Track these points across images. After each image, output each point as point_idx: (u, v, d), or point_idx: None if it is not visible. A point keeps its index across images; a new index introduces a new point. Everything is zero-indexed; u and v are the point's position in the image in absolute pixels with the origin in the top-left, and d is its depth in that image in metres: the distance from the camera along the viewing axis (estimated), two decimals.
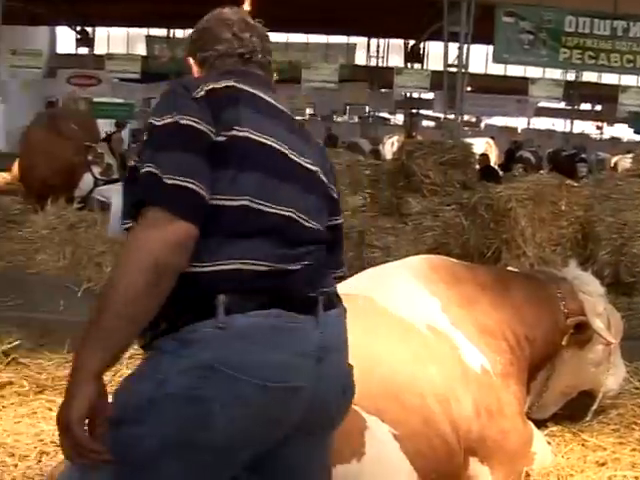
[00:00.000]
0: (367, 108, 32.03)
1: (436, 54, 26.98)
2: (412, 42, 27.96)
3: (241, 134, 2.29)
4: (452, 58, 17.45)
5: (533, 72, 22.56)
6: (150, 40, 31.16)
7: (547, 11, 16.18)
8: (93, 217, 7.96)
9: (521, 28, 15.85)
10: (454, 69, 17.09)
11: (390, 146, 23.26)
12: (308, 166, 2.46)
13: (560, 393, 4.61)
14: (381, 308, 3.86)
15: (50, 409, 4.78)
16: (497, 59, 16.25)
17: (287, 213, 2.34)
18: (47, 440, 4.30)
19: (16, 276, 7.25)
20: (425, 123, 33.25)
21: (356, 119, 34.77)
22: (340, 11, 23.83)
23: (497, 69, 28.47)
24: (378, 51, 33.98)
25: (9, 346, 5.82)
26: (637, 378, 5.71)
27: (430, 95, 24.86)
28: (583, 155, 25.04)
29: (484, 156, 15.80)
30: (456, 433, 3.53)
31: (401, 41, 31.36)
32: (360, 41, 33.38)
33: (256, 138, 2.32)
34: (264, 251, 2.28)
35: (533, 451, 3.99)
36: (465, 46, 16.35)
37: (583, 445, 4.49)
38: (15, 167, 13.95)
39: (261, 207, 2.29)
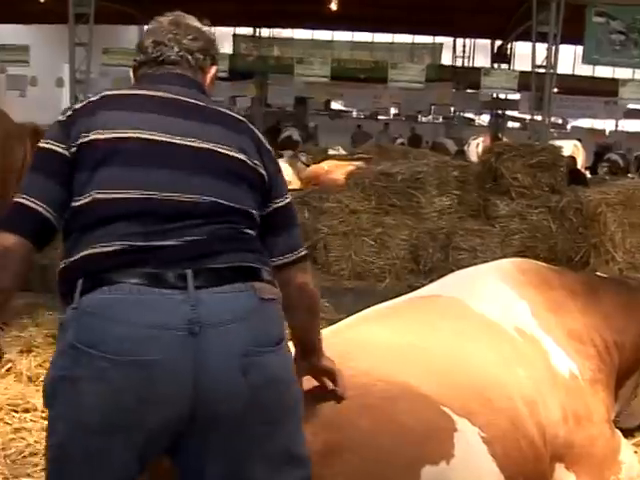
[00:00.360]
0: (452, 108, 31.82)
1: (523, 54, 26.69)
2: (499, 42, 27.61)
3: (87, 139, 2.49)
4: (540, 59, 17.23)
5: (622, 73, 22.16)
6: (237, 39, 31.56)
7: (639, 11, 15.86)
8: None
9: (612, 28, 15.55)
10: (542, 70, 16.84)
11: (475, 147, 23.05)
12: (198, 145, 2.54)
13: None
14: (470, 310, 3.85)
15: None
16: (587, 60, 15.96)
17: (146, 194, 2.44)
18: None
19: None
20: (510, 124, 32.85)
21: (440, 119, 34.59)
22: (426, 11, 23.73)
23: (585, 70, 28.02)
24: (464, 51, 33.72)
25: None
26: None
27: (516, 96, 24.59)
28: None
29: (571, 159, 15.54)
30: (543, 437, 3.49)
31: (487, 41, 31.07)
32: (446, 41, 33.21)
33: (106, 136, 2.49)
34: (117, 233, 2.39)
35: (621, 460, 3.89)
36: (554, 47, 16.11)
37: None
38: None
39: (111, 195, 2.45)
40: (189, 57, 2.77)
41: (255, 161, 2.62)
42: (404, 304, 4.01)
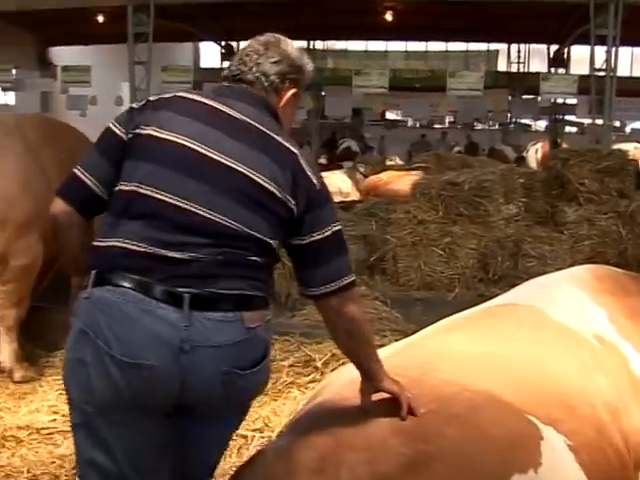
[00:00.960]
0: (508, 115, 31.63)
1: (578, 58, 26.45)
2: (554, 47, 27.38)
3: (144, 132, 2.73)
4: (598, 61, 17.07)
5: None
6: None
7: None
8: None
9: None
10: (601, 73, 16.69)
11: (534, 152, 22.90)
12: (233, 166, 2.69)
13: None
14: (547, 318, 3.84)
15: None
16: None
17: (174, 201, 2.64)
18: None
19: None
20: (567, 129, 32.54)
21: (497, 126, 34.41)
22: (480, 18, 23.65)
23: None
24: (519, 57, 33.52)
25: None
26: None
27: (573, 100, 24.36)
28: None
29: (635, 162, 15.37)
30: (626, 445, 3.46)
31: (542, 46, 30.84)
32: (500, 47, 33.07)
33: (158, 135, 2.71)
34: (144, 234, 2.62)
35: None
36: (613, 49, 15.97)
37: None
38: None
39: (148, 192, 2.65)
40: (263, 79, 2.91)
41: (287, 195, 2.72)
42: (481, 313, 4.01)
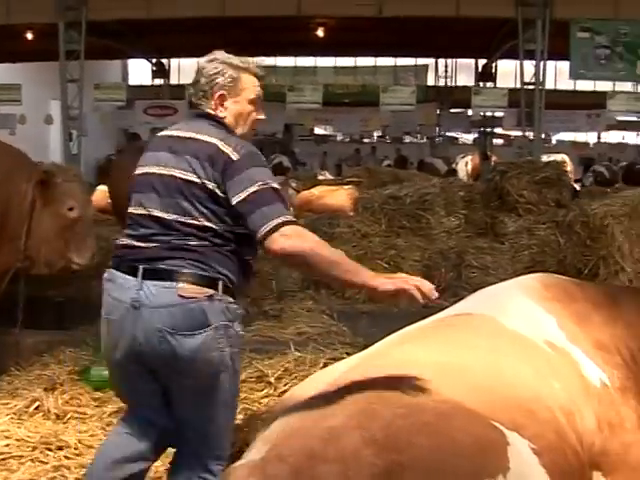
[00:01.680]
0: (437, 128, 32.04)
1: (505, 72, 26.95)
2: (482, 61, 27.84)
3: (136, 171, 3.87)
4: (526, 75, 17.43)
5: (604, 86, 22.37)
6: None
7: (623, 25, 16.03)
8: None
9: (597, 43, 15.73)
10: (530, 86, 17.05)
11: (464, 165, 23.20)
12: (166, 172, 3.68)
13: None
14: (501, 326, 3.95)
15: None
16: (574, 75, 16.12)
17: (145, 210, 3.67)
18: None
19: None
20: (494, 141, 33.09)
21: (425, 140, 34.81)
22: (408, 33, 23.92)
23: (567, 84, 28.30)
24: (446, 71, 33.98)
25: None
26: None
27: (500, 113, 24.79)
28: None
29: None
30: (581, 447, 3.58)
31: (469, 60, 31.34)
32: (428, 62, 33.49)
33: (139, 170, 3.84)
34: (128, 234, 3.74)
35: None
36: (542, 63, 16.32)
37: None
38: (96, 198, 14.18)
39: (134, 209, 3.77)
40: (200, 94, 3.82)
41: (204, 180, 3.55)
42: (437, 324, 4.09)
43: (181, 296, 3.47)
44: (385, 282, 3.32)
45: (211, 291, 3.52)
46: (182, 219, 3.56)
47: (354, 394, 3.08)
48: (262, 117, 3.90)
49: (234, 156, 3.53)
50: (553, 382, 3.68)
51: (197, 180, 3.54)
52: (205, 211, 3.55)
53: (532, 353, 3.81)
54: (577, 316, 4.18)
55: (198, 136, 3.65)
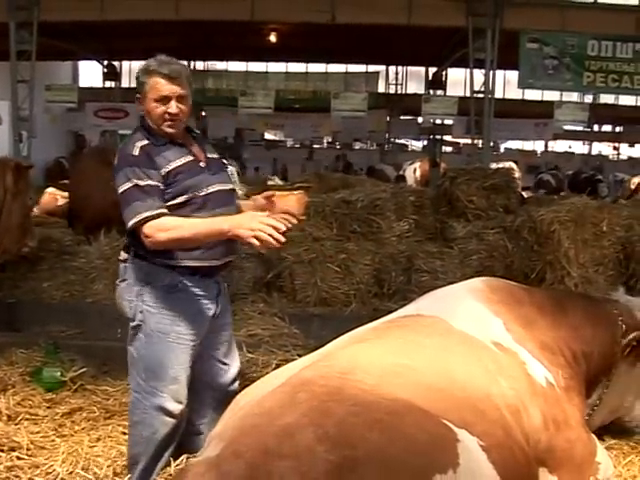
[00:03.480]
0: (387, 135, 32.21)
1: (455, 80, 27.20)
2: (433, 69, 28.08)
3: None
4: (476, 84, 17.60)
5: (551, 96, 22.69)
6: None
7: (570, 36, 16.31)
8: None
9: (545, 53, 15.99)
10: (479, 95, 17.24)
11: (412, 172, 23.36)
12: None
13: (609, 411, 4.78)
14: (451, 328, 4.06)
15: (124, 433, 4.99)
16: (522, 84, 16.35)
17: None
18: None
19: (74, 306, 7.43)
20: (443, 149, 33.41)
21: (374, 146, 34.97)
22: (360, 40, 24.04)
23: (515, 93, 28.70)
24: (397, 79, 34.20)
25: (75, 374, 6.01)
26: None
27: (449, 121, 25.02)
28: (599, 176, 25.26)
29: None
30: (527, 443, 3.69)
31: (419, 68, 31.59)
32: (379, 69, 33.69)
33: None
34: None
35: (598, 461, 4.13)
36: (491, 72, 16.52)
37: None
38: (45, 200, 14.10)
39: None
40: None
41: None
42: (389, 325, 4.17)
43: (119, 260, 4.43)
44: (244, 232, 3.88)
45: (129, 259, 4.32)
46: None
47: (307, 393, 3.14)
48: (172, 110, 4.17)
49: (115, 162, 4.27)
50: (501, 381, 3.79)
51: None
52: None
53: (480, 353, 3.92)
54: (523, 319, 4.32)
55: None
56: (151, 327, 4.19)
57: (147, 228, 3.98)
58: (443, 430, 3.09)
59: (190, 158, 4.24)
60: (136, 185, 4.05)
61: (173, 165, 4.15)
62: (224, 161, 4.68)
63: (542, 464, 3.86)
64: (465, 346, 3.92)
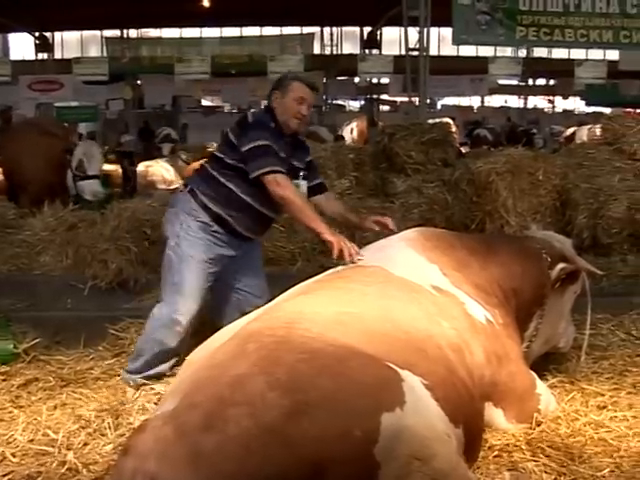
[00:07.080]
0: (323, 96, 32.16)
1: (389, 39, 27.25)
2: (367, 29, 28.09)
3: None
4: (410, 42, 17.64)
5: (485, 52, 22.91)
6: (108, 42, 31.09)
7: None
8: (92, 217, 8.01)
9: (477, 9, 16.02)
10: (414, 53, 17.28)
11: (350, 132, 23.40)
12: None
13: (545, 340, 5.00)
14: (390, 275, 4.22)
15: (80, 399, 5.05)
16: (456, 41, 16.29)
17: None
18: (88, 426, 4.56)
19: (22, 278, 7.38)
20: (381, 107, 33.49)
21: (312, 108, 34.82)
22: (294, 2, 23.99)
23: (450, 50, 28.86)
24: (332, 40, 34.14)
25: (27, 345, 6.00)
26: (622, 331, 6.14)
27: (385, 80, 25.10)
28: (534, 130, 25.60)
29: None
30: (472, 379, 3.85)
31: (354, 28, 31.60)
32: (314, 30, 33.58)
33: None
34: None
35: (538, 392, 4.38)
36: (425, 29, 16.58)
37: (583, 392, 4.87)
38: None
39: None
40: None
41: None
42: (331, 277, 4.31)
43: None
44: (330, 236, 4.65)
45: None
46: None
47: (256, 344, 3.27)
48: (304, 112, 5.17)
49: None
50: (442, 322, 3.97)
51: None
52: None
53: (420, 297, 4.09)
54: (457, 262, 4.53)
55: None
56: (182, 250, 5.16)
57: (273, 177, 4.85)
58: (387, 372, 3.21)
59: (283, 155, 5.05)
60: (270, 146, 4.93)
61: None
62: (303, 173, 5.33)
63: (487, 398, 4.07)
64: (405, 291, 4.08)
